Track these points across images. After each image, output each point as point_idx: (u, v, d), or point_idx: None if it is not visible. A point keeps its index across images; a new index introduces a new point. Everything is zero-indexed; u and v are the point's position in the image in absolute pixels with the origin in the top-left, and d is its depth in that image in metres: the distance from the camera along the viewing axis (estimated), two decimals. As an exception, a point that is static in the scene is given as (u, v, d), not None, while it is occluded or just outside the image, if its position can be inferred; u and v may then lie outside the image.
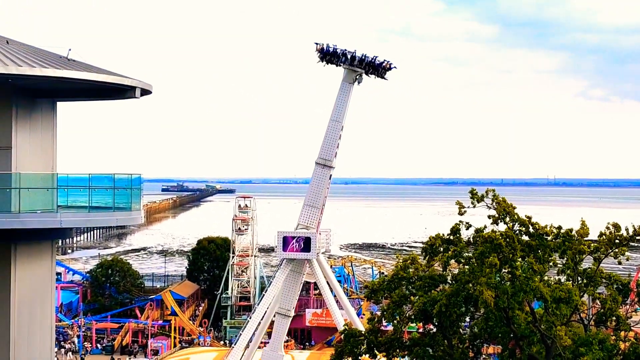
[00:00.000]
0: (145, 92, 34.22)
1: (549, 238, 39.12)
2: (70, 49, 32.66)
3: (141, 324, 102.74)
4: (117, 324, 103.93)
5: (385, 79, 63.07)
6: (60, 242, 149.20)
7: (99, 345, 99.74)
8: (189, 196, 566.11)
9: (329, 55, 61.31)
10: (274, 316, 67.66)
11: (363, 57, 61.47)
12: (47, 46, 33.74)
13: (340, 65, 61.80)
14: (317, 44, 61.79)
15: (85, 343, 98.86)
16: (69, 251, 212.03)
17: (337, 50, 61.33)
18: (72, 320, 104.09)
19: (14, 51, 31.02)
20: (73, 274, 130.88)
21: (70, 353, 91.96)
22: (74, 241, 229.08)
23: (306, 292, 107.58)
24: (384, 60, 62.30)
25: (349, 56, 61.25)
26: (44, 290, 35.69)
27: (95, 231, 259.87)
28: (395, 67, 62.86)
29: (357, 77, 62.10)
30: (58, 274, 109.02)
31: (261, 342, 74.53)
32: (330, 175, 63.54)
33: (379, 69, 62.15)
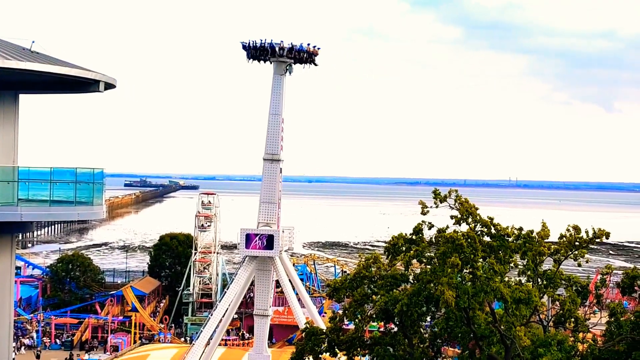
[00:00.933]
0: (109, 86, 34.00)
1: (510, 239, 39.39)
2: (33, 41, 32.35)
3: (101, 319, 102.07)
4: (76, 320, 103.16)
5: (315, 64, 63.72)
6: (20, 236, 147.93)
7: (58, 340, 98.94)
8: (152, 192, 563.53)
9: (255, 51, 62.22)
10: (235, 314, 67.51)
11: (289, 47, 62.17)
12: (10, 37, 33.40)
13: (268, 60, 62.73)
14: (242, 42, 62.67)
15: (44, 338, 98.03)
16: (29, 245, 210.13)
17: (264, 44, 62.13)
18: (31, 315, 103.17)
19: (-24, 42, 30.67)
20: (33, 268, 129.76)
21: (23, 348, 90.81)
22: (35, 235, 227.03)
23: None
24: (309, 45, 62.95)
25: (276, 49, 62.02)
26: (2, 284, 35.33)
27: (56, 225, 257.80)
28: (319, 48, 63.57)
29: (287, 67, 62.94)
30: (18, 268, 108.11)
31: (222, 340, 74.41)
32: (281, 169, 64.03)
33: (306, 55, 62.87)
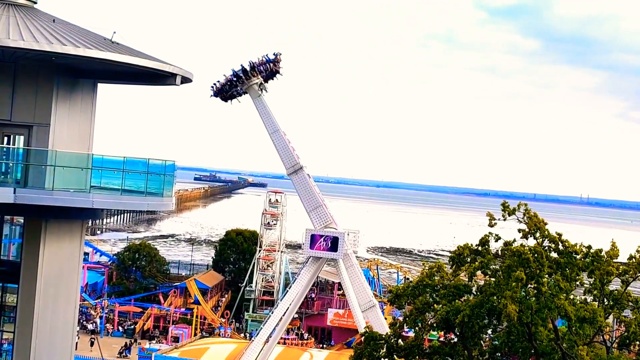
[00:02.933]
0: (185, 80, 34.41)
1: (578, 257, 38.79)
2: (114, 32, 32.90)
3: (164, 310, 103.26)
4: (139, 308, 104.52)
5: (280, 72, 63.41)
6: (90, 222, 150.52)
7: (120, 327, 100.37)
8: (220, 187, 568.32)
9: (226, 90, 62.64)
10: (295, 313, 67.29)
11: (252, 64, 62.15)
12: (92, 27, 34.01)
13: (241, 91, 63.00)
14: (211, 89, 63.05)
15: (107, 324, 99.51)
16: (98, 232, 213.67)
17: (229, 78, 62.33)
18: (96, 301, 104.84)
19: (59, 30, 31.28)
20: (100, 255, 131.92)
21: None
22: (104, 223, 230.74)
23: (330, 292, 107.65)
24: (269, 54, 62.63)
25: (243, 73, 62.12)
26: (70, 268, 35.99)
27: (125, 214, 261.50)
28: (280, 53, 63.17)
29: (260, 87, 62.82)
30: (86, 254, 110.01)
31: (281, 338, 74.58)
32: (308, 174, 64.26)
33: (270, 65, 62.65)
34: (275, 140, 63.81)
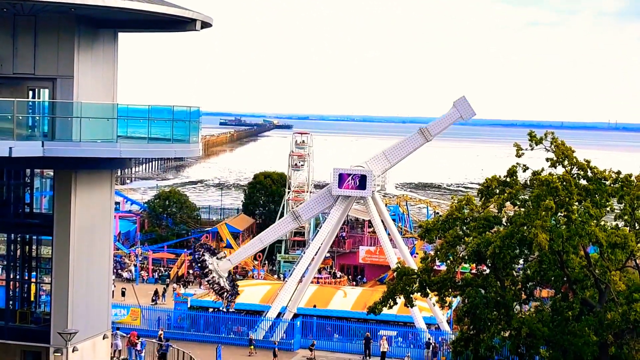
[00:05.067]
0: (205, 24, 34.35)
1: (607, 183, 38.67)
2: (132, -20, 32.78)
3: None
4: (173, 255, 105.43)
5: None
6: (119, 171, 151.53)
7: (155, 274, 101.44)
8: (246, 130, 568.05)
9: (204, 266, 66.26)
10: (327, 252, 67.84)
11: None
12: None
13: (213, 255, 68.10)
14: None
15: (142, 272, 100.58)
16: (128, 181, 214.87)
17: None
18: (130, 249, 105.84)
19: (77, -19, 31.18)
20: (131, 204, 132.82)
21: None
22: (133, 172, 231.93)
23: (360, 230, 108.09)
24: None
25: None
26: (102, 218, 36.40)
27: (153, 162, 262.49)
28: None
29: None
30: (117, 203, 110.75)
31: (314, 278, 75.25)
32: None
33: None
34: None
